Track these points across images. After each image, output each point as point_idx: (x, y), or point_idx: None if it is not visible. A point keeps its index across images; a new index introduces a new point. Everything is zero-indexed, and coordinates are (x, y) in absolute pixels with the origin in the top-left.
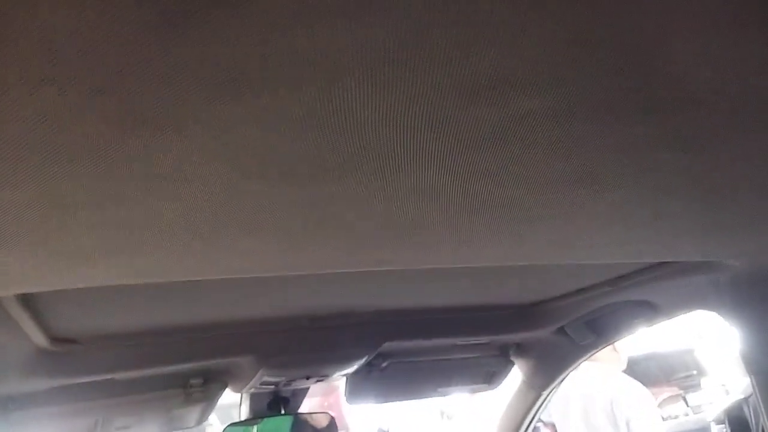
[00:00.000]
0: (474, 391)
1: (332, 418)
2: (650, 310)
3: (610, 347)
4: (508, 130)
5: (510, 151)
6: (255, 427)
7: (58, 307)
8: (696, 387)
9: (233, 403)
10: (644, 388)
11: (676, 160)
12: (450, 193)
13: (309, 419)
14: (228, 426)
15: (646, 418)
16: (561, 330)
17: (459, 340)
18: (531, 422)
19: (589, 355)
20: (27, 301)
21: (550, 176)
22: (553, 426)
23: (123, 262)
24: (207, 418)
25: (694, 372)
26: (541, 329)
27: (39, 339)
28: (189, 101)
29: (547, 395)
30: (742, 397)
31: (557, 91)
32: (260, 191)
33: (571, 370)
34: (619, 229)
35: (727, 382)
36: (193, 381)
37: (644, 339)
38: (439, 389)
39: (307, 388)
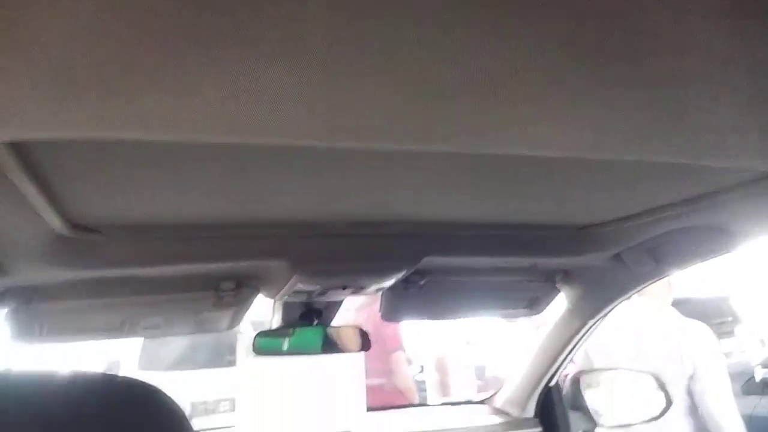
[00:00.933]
0: (514, 316)
1: (366, 333)
2: (723, 236)
3: (665, 282)
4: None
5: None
6: (286, 338)
7: (78, 192)
8: (729, 334)
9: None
10: (708, 328)
11: None
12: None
13: (342, 332)
14: (258, 333)
15: (714, 360)
16: (617, 256)
17: (504, 261)
18: (572, 351)
19: (646, 284)
20: (44, 184)
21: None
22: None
23: (133, 104)
24: (238, 324)
25: (729, 319)
26: (595, 254)
27: (58, 226)
28: None
29: (593, 325)
30: None
31: None
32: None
33: (623, 300)
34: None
35: (762, 333)
36: (224, 284)
37: (679, 284)
38: (478, 311)
39: (341, 302)
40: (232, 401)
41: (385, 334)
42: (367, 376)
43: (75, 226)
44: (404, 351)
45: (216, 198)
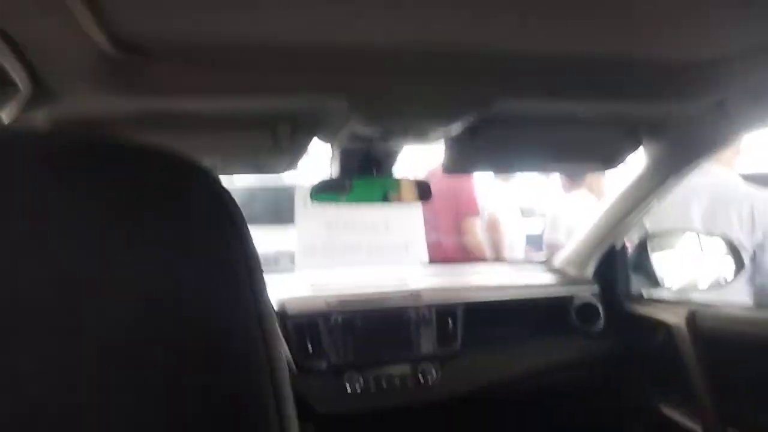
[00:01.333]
0: (587, 171)
1: (426, 183)
2: None
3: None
4: None
5: None
6: (344, 189)
7: (124, 5)
8: None
9: None
10: None
11: None
12: None
13: (401, 183)
14: (316, 183)
15: None
16: (717, 104)
17: (584, 107)
18: (642, 212)
19: (742, 137)
20: None
21: None
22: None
23: None
24: (295, 167)
25: None
26: (695, 100)
27: (104, 43)
28: None
29: (672, 184)
30: None
31: None
32: None
33: (711, 155)
34: None
35: None
36: (280, 126)
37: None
38: (549, 165)
39: (401, 151)
40: (292, 255)
41: (460, 197)
42: (436, 234)
43: (122, 45)
44: (479, 216)
45: (271, 17)
